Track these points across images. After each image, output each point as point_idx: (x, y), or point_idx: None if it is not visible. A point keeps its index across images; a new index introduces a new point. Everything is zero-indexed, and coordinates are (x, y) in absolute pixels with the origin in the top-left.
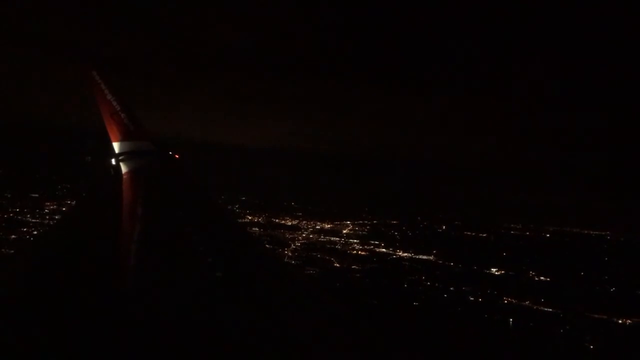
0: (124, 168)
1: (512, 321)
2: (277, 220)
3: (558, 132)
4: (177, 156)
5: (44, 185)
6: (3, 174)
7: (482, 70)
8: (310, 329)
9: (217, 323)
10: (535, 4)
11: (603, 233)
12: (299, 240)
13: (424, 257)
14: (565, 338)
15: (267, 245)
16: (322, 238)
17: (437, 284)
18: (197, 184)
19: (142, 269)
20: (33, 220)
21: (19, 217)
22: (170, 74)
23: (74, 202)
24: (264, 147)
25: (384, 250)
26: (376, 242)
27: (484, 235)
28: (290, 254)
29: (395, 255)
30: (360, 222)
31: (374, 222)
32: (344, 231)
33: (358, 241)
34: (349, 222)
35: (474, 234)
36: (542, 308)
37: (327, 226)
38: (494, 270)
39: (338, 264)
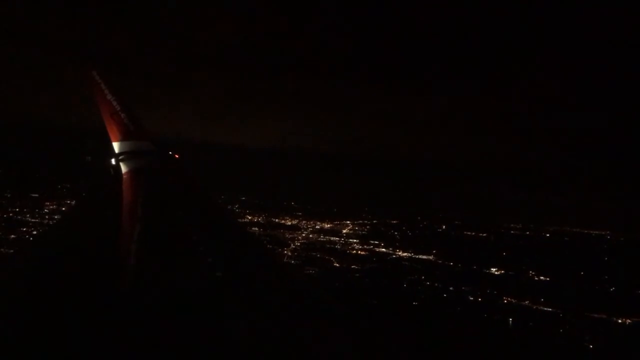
0: (124, 168)
1: (512, 321)
2: (277, 220)
3: (558, 132)
4: (177, 156)
5: (43, 185)
6: (3, 174)
7: (483, 70)
8: (310, 328)
9: (217, 323)
10: (535, 4)
11: (603, 233)
12: (298, 240)
13: (424, 256)
14: (564, 338)
15: (267, 245)
16: (321, 238)
17: (436, 284)
18: (197, 183)
19: (142, 269)
20: (33, 220)
21: (19, 217)
22: (170, 74)
23: (73, 202)
24: (264, 147)
25: (383, 250)
26: (376, 242)
27: (484, 235)
28: (290, 253)
29: (395, 255)
30: (360, 221)
31: (374, 221)
32: (344, 231)
33: (358, 241)
34: (348, 222)
35: (473, 233)
36: (541, 308)
37: (327, 226)
38: (493, 270)
39: (338, 263)
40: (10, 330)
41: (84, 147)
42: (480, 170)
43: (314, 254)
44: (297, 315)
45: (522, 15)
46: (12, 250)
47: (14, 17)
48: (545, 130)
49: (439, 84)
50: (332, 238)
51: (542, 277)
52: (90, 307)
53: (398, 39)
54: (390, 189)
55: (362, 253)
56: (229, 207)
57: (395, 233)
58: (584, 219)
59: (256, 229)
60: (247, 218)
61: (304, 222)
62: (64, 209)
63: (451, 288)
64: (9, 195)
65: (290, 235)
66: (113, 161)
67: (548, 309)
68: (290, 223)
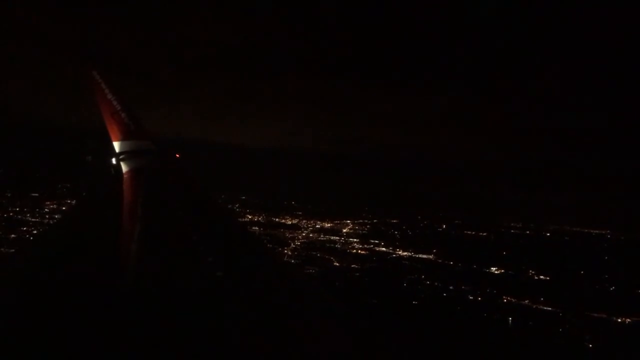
0: (124, 167)
1: (512, 320)
2: (277, 220)
3: (558, 132)
4: (177, 156)
5: (43, 184)
6: (3, 174)
7: (483, 70)
8: (310, 328)
9: (218, 323)
10: (535, 4)
11: (603, 232)
12: (298, 239)
13: (424, 256)
14: (564, 337)
15: (267, 245)
16: (322, 237)
17: (436, 283)
18: (197, 183)
19: (142, 269)
20: (33, 220)
21: (19, 217)
22: (170, 74)
23: (74, 202)
24: (264, 147)
25: (383, 249)
26: (376, 241)
27: (484, 234)
28: (290, 253)
29: (395, 254)
30: (360, 221)
31: (374, 221)
32: (344, 230)
33: (358, 240)
34: (349, 222)
35: (473, 233)
36: (541, 307)
37: (327, 225)
38: (493, 269)
39: (338, 263)
40: (10, 330)
41: (84, 146)
42: (480, 170)
43: (314, 253)
44: (297, 314)
45: (522, 15)
46: (12, 250)
47: (14, 17)
48: (545, 130)
49: (439, 84)
50: (332, 237)
51: (542, 277)
52: (90, 307)
53: (398, 39)
54: (390, 188)
55: (362, 252)
56: (229, 206)
57: (396, 232)
58: (584, 218)
59: (256, 228)
60: (248, 217)
61: (304, 221)
62: (64, 208)
63: (451, 287)
64: (9, 195)
65: (291, 235)
66: (113, 161)
67: (548, 309)
68: (290, 222)
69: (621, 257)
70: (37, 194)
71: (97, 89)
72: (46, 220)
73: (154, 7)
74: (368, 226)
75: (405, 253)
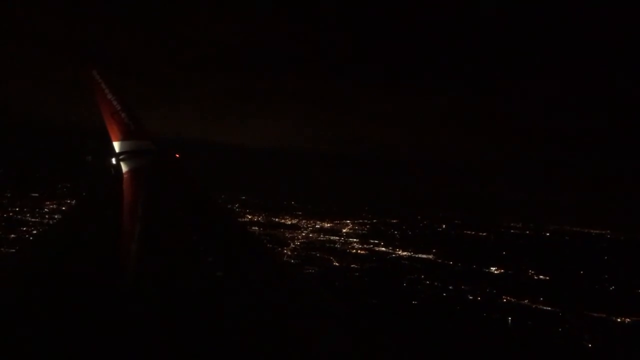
0: (124, 167)
1: (511, 320)
2: (277, 220)
3: (558, 132)
4: (177, 155)
5: (43, 184)
6: (3, 174)
7: (483, 70)
8: (310, 328)
9: (217, 322)
10: (535, 5)
11: (603, 232)
12: (298, 239)
13: (424, 256)
14: (564, 337)
15: (267, 245)
16: (321, 237)
17: (436, 283)
18: (197, 183)
19: (143, 269)
20: (33, 220)
21: (19, 217)
22: (170, 74)
23: (74, 202)
24: (264, 147)
25: (383, 249)
26: (376, 241)
27: (484, 234)
28: (289, 253)
29: (395, 254)
30: (360, 221)
31: (374, 221)
32: (344, 230)
33: (358, 240)
34: (348, 221)
35: (473, 233)
36: (541, 307)
37: (327, 225)
38: (493, 269)
39: (337, 263)
40: (10, 330)
41: (84, 146)
42: (480, 170)
43: (314, 253)
44: (297, 314)
45: (522, 15)
46: (12, 250)
47: (14, 17)
48: (545, 130)
49: (439, 84)
50: (332, 237)
51: (541, 276)
52: (90, 307)
53: (398, 38)
54: (390, 188)
55: (362, 252)
56: (229, 206)
57: (395, 232)
58: (584, 218)
59: (256, 228)
60: (247, 217)
61: (304, 221)
62: (64, 208)
63: (451, 287)
64: (9, 195)
65: (290, 235)
66: (113, 160)
67: (547, 308)
68: (290, 222)
69: (621, 257)
70: (37, 194)
71: (97, 89)
72: (46, 220)
73: (154, 7)
74: (368, 226)
75: (405, 253)
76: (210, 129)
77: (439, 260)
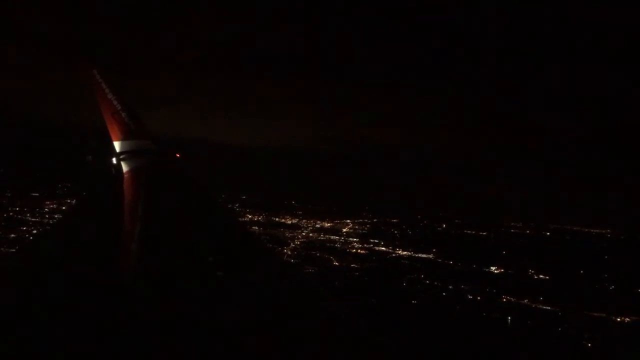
0: (124, 167)
1: (511, 320)
2: (277, 219)
3: (559, 131)
4: (177, 155)
5: (44, 184)
6: (3, 174)
7: (483, 70)
8: (310, 328)
9: (218, 322)
10: (535, 5)
11: (603, 231)
12: (298, 239)
13: (424, 255)
14: (563, 336)
15: (267, 244)
16: (321, 237)
17: (436, 283)
18: (198, 183)
19: (143, 269)
20: (33, 219)
21: (19, 216)
22: (170, 74)
23: (74, 201)
24: (264, 147)
25: (383, 248)
26: (376, 241)
27: (484, 233)
28: (289, 252)
29: (395, 253)
30: (360, 220)
31: (374, 220)
32: (344, 230)
33: (358, 240)
34: (349, 221)
35: (474, 232)
36: (540, 306)
37: (327, 225)
38: (493, 268)
39: (337, 262)
40: (10, 330)
41: (84, 146)
42: (480, 170)
43: (314, 252)
44: (297, 314)
45: (522, 15)
46: (12, 250)
47: (14, 17)
48: (545, 130)
49: (439, 84)
50: (332, 237)
51: (541, 276)
52: (90, 307)
53: (398, 38)
54: (390, 188)
55: (362, 252)
56: (230, 206)
57: (396, 232)
58: (584, 217)
59: (256, 228)
60: (248, 217)
61: (304, 221)
62: (64, 208)
63: (450, 287)
64: (9, 195)
65: (290, 234)
66: (114, 160)
67: (547, 308)
68: (290, 222)
69: (621, 256)
70: (37, 194)
71: (97, 89)
72: (46, 220)
73: (154, 7)
74: (368, 226)
75: (405, 252)
76: (210, 129)
77: (439, 260)
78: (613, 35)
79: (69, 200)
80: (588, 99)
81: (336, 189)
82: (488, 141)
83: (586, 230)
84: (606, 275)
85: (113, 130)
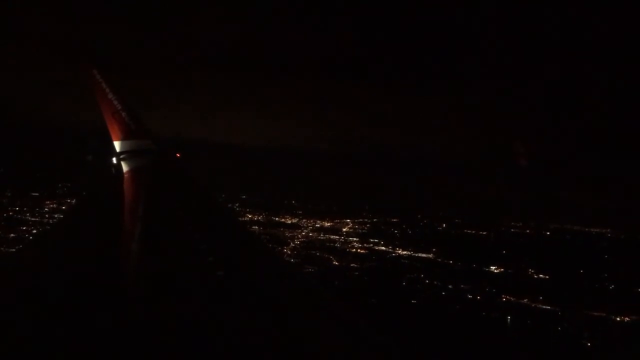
0: (125, 167)
1: (511, 319)
2: (277, 219)
3: (559, 130)
4: (177, 155)
5: (43, 184)
6: (3, 174)
7: (483, 70)
8: (310, 327)
9: (218, 322)
10: (535, 6)
11: (603, 231)
12: (298, 238)
13: (423, 255)
14: (563, 336)
15: (267, 244)
16: (321, 236)
17: (436, 282)
18: (198, 182)
19: (143, 268)
20: (33, 219)
21: (19, 216)
22: (170, 74)
23: (74, 201)
24: (264, 147)
25: (383, 248)
26: (375, 240)
27: (484, 233)
28: (289, 252)
29: (395, 253)
30: (360, 220)
31: (374, 220)
32: (344, 229)
33: (357, 239)
34: (349, 221)
35: (474, 232)
36: (540, 306)
37: (327, 224)
38: (493, 268)
39: (337, 262)
40: (10, 330)
41: (84, 146)
42: (480, 170)
43: (314, 252)
44: (297, 314)
45: (522, 15)
46: (12, 250)
47: (14, 17)
48: (545, 130)
49: (439, 84)
50: (332, 236)
51: (541, 275)
52: (90, 307)
53: (398, 38)
54: (390, 188)
55: (362, 251)
56: (230, 205)
57: (395, 231)
58: (585, 217)
59: (256, 227)
60: (248, 217)
61: (304, 220)
62: (64, 208)
63: (450, 286)
64: (9, 194)
65: (290, 234)
66: (114, 160)
67: (547, 307)
68: (290, 221)
69: (621, 256)
70: (37, 194)
71: (97, 89)
72: (46, 220)
73: (154, 7)
74: (368, 225)
75: (405, 252)
76: (210, 129)
77: (439, 260)
78: (613, 36)
79: (69, 200)
80: (588, 99)
81: (336, 189)
82: (488, 141)
83: (586, 229)
84: (606, 275)
85: (113, 130)
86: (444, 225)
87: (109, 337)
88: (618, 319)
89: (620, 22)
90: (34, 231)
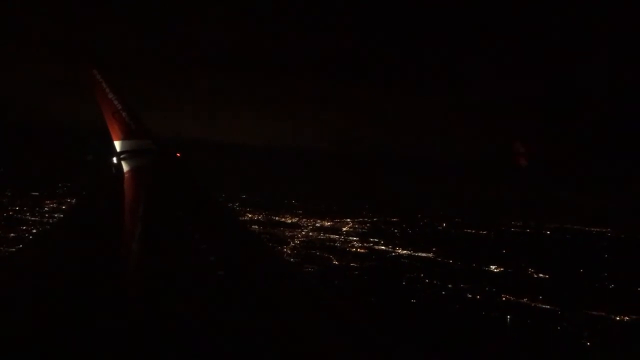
0: (125, 166)
1: (510, 318)
2: (277, 218)
3: (559, 130)
4: (178, 155)
5: (44, 184)
6: (3, 173)
7: (482, 70)
8: (310, 326)
9: (218, 321)
10: (536, 6)
11: (604, 230)
12: (298, 238)
13: (423, 254)
14: (563, 335)
15: (267, 243)
16: (321, 236)
17: (436, 282)
18: (198, 182)
19: (144, 268)
20: (33, 219)
21: (19, 216)
22: (170, 74)
23: (74, 201)
24: (264, 146)
25: (383, 247)
26: (376, 240)
27: (484, 232)
28: (289, 251)
29: (395, 252)
30: (361, 219)
31: (374, 219)
32: (344, 229)
33: (357, 239)
34: (349, 220)
35: (474, 231)
36: (540, 305)
37: (327, 224)
38: (493, 267)
39: (337, 261)
40: (10, 330)
41: (85, 145)
42: (480, 170)
43: (314, 251)
44: (297, 313)
45: (522, 15)
46: (12, 249)
47: (14, 17)
48: (545, 130)
49: (438, 84)
50: (332, 236)
51: (541, 275)
52: (91, 307)
53: (399, 39)
54: (390, 188)
55: (362, 251)
56: (230, 205)
57: (396, 231)
58: (585, 216)
59: (256, 227)
60: (248, 216)
61: (304, 220)
62: (64, 207)
63: (450, 286)
64: (9, 194)
65: (290, 233)
66: (114, 160)
67: (546, 307)
68: (290, 221)
69: (621, 255)
70: (37, 193)
71: (97, 89)
72: (46, 220)
73: (154, 7)
74: (368, 224)
75: (405, 251)
76: (210, 129)
77: (439, 259)
78: (613, 35)
79: (69, 200)
80: (588, 98)
81: (336, 188)
82: (488, 141)
83: (586, 228)
84: (606, 274)
85: (113, 129)
86: (444, 224)
87: (109, 337)
88: (618, 318)
89: (620, 22)
90: (34, 231)
